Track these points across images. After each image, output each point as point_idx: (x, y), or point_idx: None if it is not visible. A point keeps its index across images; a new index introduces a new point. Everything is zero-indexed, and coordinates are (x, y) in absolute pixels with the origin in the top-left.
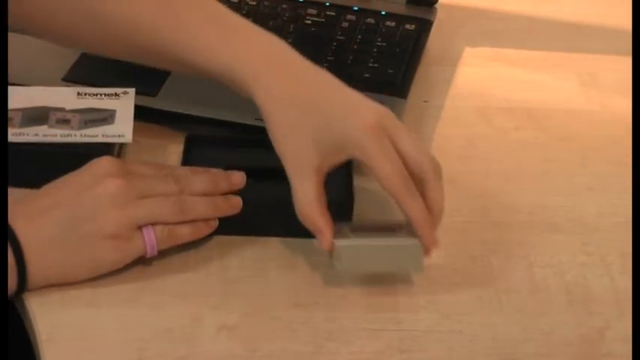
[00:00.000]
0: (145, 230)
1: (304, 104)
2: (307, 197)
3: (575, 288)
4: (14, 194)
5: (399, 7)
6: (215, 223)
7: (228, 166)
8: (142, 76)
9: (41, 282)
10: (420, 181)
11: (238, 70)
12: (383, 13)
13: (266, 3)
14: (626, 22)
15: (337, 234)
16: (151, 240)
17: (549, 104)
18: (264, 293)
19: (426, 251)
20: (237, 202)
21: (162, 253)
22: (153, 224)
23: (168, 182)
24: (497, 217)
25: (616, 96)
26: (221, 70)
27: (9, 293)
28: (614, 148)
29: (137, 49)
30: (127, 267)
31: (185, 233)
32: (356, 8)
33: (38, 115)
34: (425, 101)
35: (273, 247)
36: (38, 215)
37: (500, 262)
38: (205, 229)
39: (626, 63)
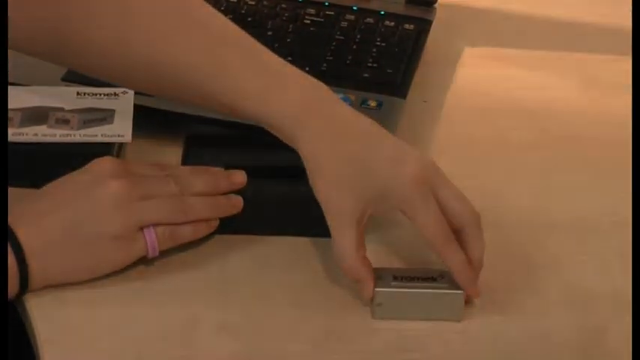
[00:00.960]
0: (146, 231)
1: (349, 156)
2: (348, 250)
3: (575, 288)
4: (14, 194)
5: (399, 6)
6: (216, 223)
7: (228, 166)
8: None
9: (42, 283)
10: (459, 231)
11: (282, 121)
12: (382, 13)
13: (265, 3)
14: (627, 21)
15: (379, 280)
16: (152, 240)
17: (549, 104)
18: (264, 293)
19: (467, 301)
20: (238, 202)
21: (162, 253)
22: (154, 225)
23: (169, 183)
24: (497, 217)
25: (616, 96)
26: (267, 119)
27: (10, 296)
28: (614, 148)
29: (189, 96)
30: (127, 267)
31: (186, 233)
32: (355, 8)
33: (38, 115)
34: (424, 101)
35: (273, 246)
36: (39, 217)
37: (499, 263)
38: (206, 229)
39: (627, 63)
